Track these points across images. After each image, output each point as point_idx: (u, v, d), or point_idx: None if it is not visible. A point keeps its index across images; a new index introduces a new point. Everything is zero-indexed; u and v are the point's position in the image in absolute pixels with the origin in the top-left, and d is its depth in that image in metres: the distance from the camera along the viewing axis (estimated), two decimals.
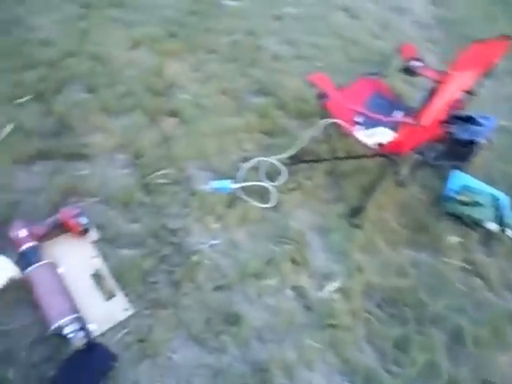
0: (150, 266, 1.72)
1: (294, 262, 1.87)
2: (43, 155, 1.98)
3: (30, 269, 1.55)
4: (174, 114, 2.34)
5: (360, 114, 2.07)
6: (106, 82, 2.40)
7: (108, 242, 1.77)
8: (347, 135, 2.12)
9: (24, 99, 2.18)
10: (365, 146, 2.00)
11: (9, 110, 2.12)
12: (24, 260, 1.59)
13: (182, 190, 2.01)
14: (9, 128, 2.01)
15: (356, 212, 2.05)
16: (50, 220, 1.72)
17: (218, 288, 1.72)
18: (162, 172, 2.04)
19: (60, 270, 1.63)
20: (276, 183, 2.10)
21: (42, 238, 1.69)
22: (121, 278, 1.66)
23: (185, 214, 1.93)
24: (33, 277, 1.54)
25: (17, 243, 1.62)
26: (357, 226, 2.02)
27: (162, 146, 2.17)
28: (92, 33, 2.71)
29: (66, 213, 1.73)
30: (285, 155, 2.18)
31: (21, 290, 1.55)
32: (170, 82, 2.51)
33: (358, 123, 2.10)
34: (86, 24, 2.76)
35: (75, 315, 1.47)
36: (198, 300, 1.67)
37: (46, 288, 1.52)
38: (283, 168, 2.15)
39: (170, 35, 2.85)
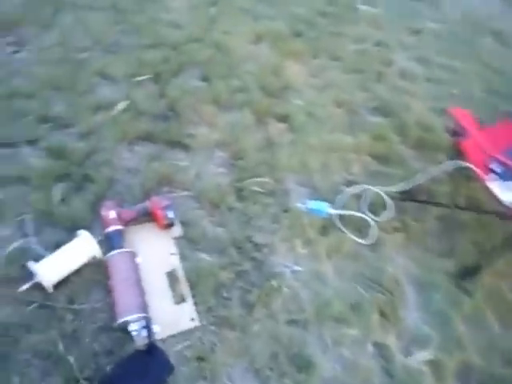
0: (226, 278, 1.60)
1: (382, 314, 1.63)
2: (147, 137, 1.96)
3: (111, 253, 1.51)
4: (283, 118, 2.19)
5: (499, 161, 1.74)
6: (221, 73, 2.32)
7: (189, 242, 1.68)
8: (476, 181, 1.80)
9: (143, 78, 2.19)
10: (496, 200, 1.68)
11: (127, 87, 2.13)
12: (108, 242, 1.56)
13: (275, 203, 1.86)
14: (124, 104, 2.02)
15: (468, 273, 1.74)
16: (139, 206, 1.68)
17: (292, 322, 1.55)
18: (259, 179, 1.90)
19: (138, 260, 1.57)
20: (379, 218, 1.86)
21: (128, 222, 1.65)
22: (194, 283, 1.57)
23: (273, 229, 1.78)
24: (112, 262, 1.50)
25: (104, 223, 1.59)
26: (466, 291, 1.71)
27: (265, 151, 2.03)
28: (219, 21, 2.66)
29: (156, 202, 1.68)
30: (395, 188, 1.93)
31: (99, 270, 1.52)
32: (285, 84, 2.37)
33: (494, 172, 1.77)
34: (215, 11, 2.72)
35: (143, 314, 1.40)
36: (269, 330, 1.51)
37: (122, 277, 1.46)
38: (390, 202, 1.89)
39: (295, 34, 2.71)
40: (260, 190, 1.88)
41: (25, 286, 1.41)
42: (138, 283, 1.49)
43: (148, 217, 1.69)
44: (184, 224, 1.72)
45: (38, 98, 1.98)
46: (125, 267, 1.49)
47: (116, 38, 2.39)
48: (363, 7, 3.02)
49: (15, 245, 1.52)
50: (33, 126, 1.87)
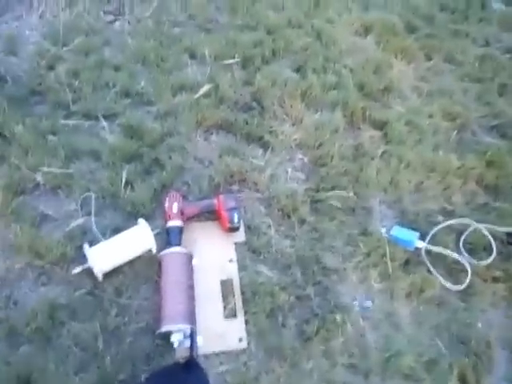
0: (285, 301, 1.41)
1: (462, 379, 1.34)
2: (226, 127, 1.81)
3: (167, 251, 1.40)
4: (379, 125, 1.92)
5: None
6: (317, 65, 2.09)
7: (251, 251, 1.52)
8: None
9: (231, 61, 2.03)
10: None
11: (213, 69, 1.99)
12: (165, 237, 1.45)
13: (354, 222, 1.63)
14: (206, 88, 1.88)
15: None
16: (205, 202, 1.55)
17: (351, 367, 1.33)
18: (340, 193, 1.67)
19: (194, 262, 1.44)
20: (477, 262, 1.54)
21: (190, 218, 1.52)
22: (248, 299, 1.41)
23: (347, 253, 1.55)
24: (166, 261, 1.39)
25: (165, 215, 1.48)
26: None
27: (352, 160, 1.79)
28: (324, 6, 2.42)
29: (223, 202, 1.53)
30: (504, 228, 1.59)
31: (151, 265, 1.42)
32: (387, 86, 2.08)
33: None
34: None
35: (189, 325, 1.27)
36: (323, 371, 1.31)
37: (174, 280, 1.35)
38: (495, 244, 1.56)
39: (408, 29, 2.37)
40: (339, 205, 1.65)
41: (77, 269, 1.35)
42: (189, 289, 1.36)
43: (211, 215, 1.55)
44: (248, 229, 1.56)
45: (124, 71, 1.91)
46: (179, 269, 1.37)
47: (212, 16, 2.25)
48: (497, 4, 2.57)
49: (77, 222, 1.46)
50: (114, 99, 1.81)
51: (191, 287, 1.37)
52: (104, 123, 1.73)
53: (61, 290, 1.35)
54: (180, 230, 1.47)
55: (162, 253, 1.40)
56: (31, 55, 1.92)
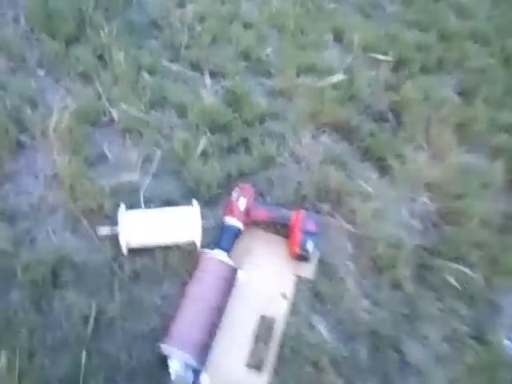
0: (335, 379, 1.00)
1: None
2: (343, 130, 1.43)
3: (211, 252, 1.08)
4: None
5: None
6: (493, 95, 1.58)
7: (314, 295, 1.13)
8: None
9: (383, 57, 1.62)
10: None
11: (356, 60, 1.61)
12: (217, 234, 1.13)
13: (468, 316, 1.13)
14: (338, 78, 1.51)
15: None
16: (280, 211, 1.19)
17: None
18: (463, 269, 1.18)
19: (239, 276, 1.10)
20: None
21: (255, 223, 1.18)
22: (286, 356, 1.03)
23: (442, 355, 1.08)
24: (203, 264, 1.07)
25: (227, 208, 1.16)
26: None
27: (497, 232, 1.27)
28: None
29: (302, 219, 1.16)
30: None
31: (186, 260, 1.11)
32: None
33: None
34: None
35: (197, 357, 0.94)
36: None
37: (201, 294, 1.03)
38: None
39: None
40: (455, 283, 1.16)
41: (103, 231, 1.10)
42: (217, 312, 1.03)
43: (281, 229, 1.19)
44: (321, 266, 1.17)
45: (254, 31, 1.62)
46: (213, 283, 1.04)
47: (379, 0, 1.85)
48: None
49: (130, 177, 1.22)
50: (230, 58, 1.53)
51: (220, 310, 1.04)
52: (208, 80, 1.46)
53: (80, 245, 1.12)
54: (237, 233, 1.14)
55: (204, 252, 1.08)
56: None
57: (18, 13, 1.47)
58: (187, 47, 1.51)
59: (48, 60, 1.39)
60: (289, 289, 1.14)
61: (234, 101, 1.41)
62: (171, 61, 1.47)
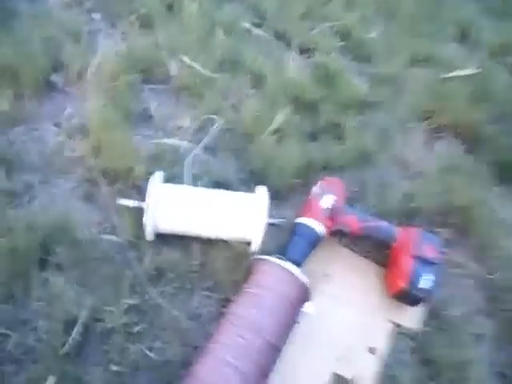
0: None
1: None
2: (469, 137, 1.05)
3: (270, 260, 0.70)
4: None
5: None
6: None
7: (421, 361, 0.71)
8: None
9: None
10: None
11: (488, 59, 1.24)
12: (286, 240, 0.76)
13: None
14: (468, 72, 1.14)
15: None
16: (380, 224, 0.81)
17: None
18: None
19: (306, 309, 0.71)
20: None
21: (339, 234, 0.80)
22: None
23: None
24: (265, 276, 0.69)
25: (305, 205, 0.80)
26: None
27: None
28: None
29: (415, 239, 0.77)
30: None
31: (235, 267, 0.75)
32: None
33: None
34: None
35: None
36: None
37: (258, 317, 0.64)
38: None
39: None
40: None
41: (123, 201, 0.76)
42: (272, 352, 0.64)
43: (378, 248, 0.80)
44: (435, 315, 0.75)
45: (360, 10, 1.31)
46: (277, 307, 0.66)
47: None
48: None
49: (174, 142, 0.90)
50: (325, 34, 1.22)
51: (276, 351, 0.65)
52: (295, 52, 1.15)
53: (90, 218, 0.79)
54: (315, 240, 0.77)
55: (261, 260, 0.71)
56: None
57: None
58: (274, 15, 1.22)
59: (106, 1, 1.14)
60: (380, 341, 0.73)
61: (325, 79, 1.08)
62: (255, 25, 1.18)
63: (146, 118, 0.95)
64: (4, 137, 0.86)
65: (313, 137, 0.97)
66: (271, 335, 0.64)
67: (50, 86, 0.97)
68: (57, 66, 0.98)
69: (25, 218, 0.74)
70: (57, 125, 0.90)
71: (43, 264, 0.71)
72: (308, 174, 0.88)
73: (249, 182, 0.88)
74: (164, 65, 1.02)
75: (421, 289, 0.73)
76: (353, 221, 0.80)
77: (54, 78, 0.97)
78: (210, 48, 1.07)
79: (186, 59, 1.02)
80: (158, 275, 0.73)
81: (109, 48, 1.02)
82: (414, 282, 0.73)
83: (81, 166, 0.84)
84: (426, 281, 0.73)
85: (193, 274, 0.75)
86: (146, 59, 1.01)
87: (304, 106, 1.01)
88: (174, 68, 1.01)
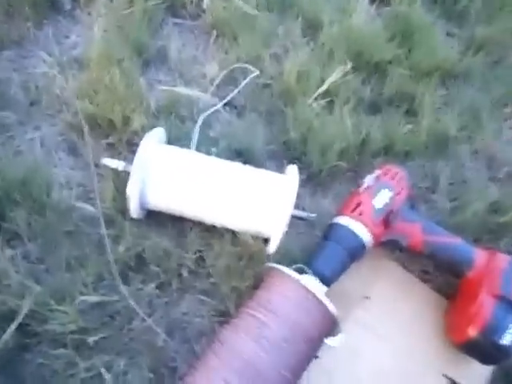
0: None
1: None
2: None
3: (288, 273, 0.49)
4: None
5: None
6: None
7: None
8: None
9: None
10: None
11: None
12: (318, 248, 0.55)
13: None
14: None
15: None
16: (455, 240, 0.57)
17: None
18: None
19: (330, 341, 0.50)
20: None
21: (395, 246, 0.58)
22: None
23: None
24: (279, 292, 0.49)
25: (349, 200, 0.57)
26: None
27: None
28: None
29: (499, 265, 0.53)
30: None
31: (244, 273, 0.55)
32: None
33: None
34: None
35: None
36: None
37: (267, 347, 0.45)
38: None
39: None
40: None
41: (107, 161, 0.57)
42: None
43: (440, 273, 0.57)
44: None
45: None
46: (292, 338, 0.45)
47: None
48: None
49: (191, 95, 0.69)
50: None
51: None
52: None
53: (69, 173, 0.61)
54: (357, 251, 0.55)
55: (275, 271, 0.50)
56: None
57: None
58: None
59: None
60: None
61: (402, 35, 0.82)
62: None
63: (162, 58, 0.75)
64: None
65: (374, 108, 0.73)
66: (274, 381, 0.44)
67: (54, 8, 0.78)
68: None
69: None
70: (51, 54, 0.72)
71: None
72: (361, 157, 0.65)
73: (280, 156, 0.67)
74: None
75: (502, 345, 0.50)
76: (415, 231, 0.57)
77: None
78: None
79: None
80: (137, 266, 0.54)
81: None
82: (492, 333, 0.50)
83: (69, 110, 0.66)
84: (510, 335, 0.50)
85: (184, 270, 0.56)
86: None
87: (368, 66, 0.77)
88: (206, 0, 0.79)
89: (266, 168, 0.61)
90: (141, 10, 0.75)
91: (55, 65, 0.70)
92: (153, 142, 0.55)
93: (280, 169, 0.64)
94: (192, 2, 0.80)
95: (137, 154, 0.53)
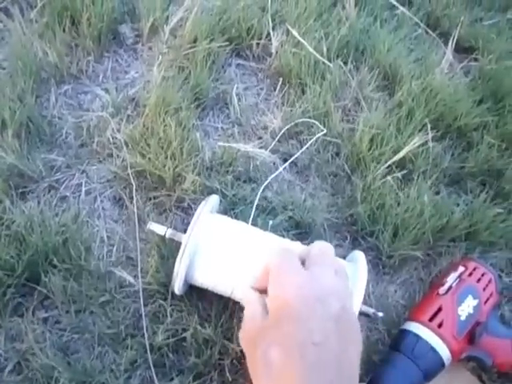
0: None
1: None
2: None
3: None
4: None
5: None
6: None
7: None
8: None
9: None
10: None
11: None
12: (385, 364, 0.46)
13: None
14: None
15: None
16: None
17: None
18: None
19: None
20: None
21: (477, 363, 0.48)
22: None
23: None
24: None
25: (427, 305, 0.48)
26: None
27: None
28: None
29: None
30: None
31: None
32: None
33: None
34: None
35: None
36: None
37: None
38: None
39: None
40: None
41: (154, 226, 0.51)
42: None
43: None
44: None
45: None
46: None
47: None
48: None
49: (259, 154, 0.63)
50: (503, 30, 0.84)
51: None
52: (449, 50, 0.80)
53: (111, 232, 0.55)
54: (434, 372, 0.45)
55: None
56: None
57: None
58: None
59: None
60: None
61: (492, 97, 0.72)
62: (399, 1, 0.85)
63: (221, 103, 0.69)
64: (45, 96, 0.66)
65: (459, 183, 0.64)
66: None
67: (116, 41, 0.74)
68: (128, 16, 0.75)
69: (25, 217, 0.52)
70: (108, 90, 0.68)
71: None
72: (438, 244, 0.56)
73: (343, 231, 0.58)
74: (265, 36, 0.74)
75: None
76: (505, 349, 0.47)
77: (122, 28, 0.75)
78: (330, 23, 0.77)
79: (295, 33, 0.73)
80: (175, 355, 0.47)
81: (198, 1, 0.77)
82: None
83: (119, 155, 0.61)
84: None
85: (227, 362, 0.48)
86: (243, 24, 0.74)
87: (451, 131, 0.68)
88: (276, 42, 0.73)
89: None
90: (205, 50, 0.70)
91: (110, 105, 0.66)
92: (207, 216, 0.49)
93: (341, 245, 0.56)
94: (258, 44, 0.74)
95: (189, 228, 0.47)
